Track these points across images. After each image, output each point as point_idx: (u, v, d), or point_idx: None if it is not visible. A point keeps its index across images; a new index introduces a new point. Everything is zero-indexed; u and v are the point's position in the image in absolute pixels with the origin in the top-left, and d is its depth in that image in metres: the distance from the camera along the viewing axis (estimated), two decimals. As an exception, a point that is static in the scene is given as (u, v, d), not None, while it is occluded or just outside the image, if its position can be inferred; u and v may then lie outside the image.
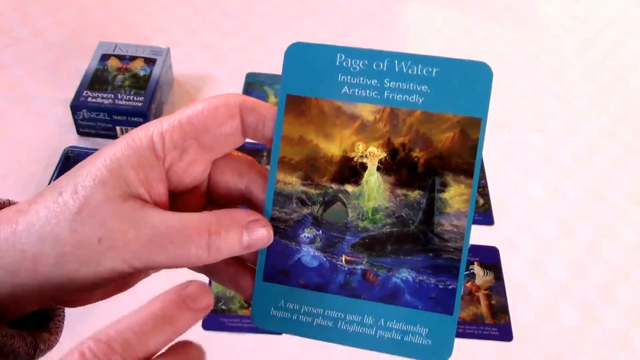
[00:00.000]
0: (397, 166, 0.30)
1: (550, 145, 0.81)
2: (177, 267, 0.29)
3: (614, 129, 0.84)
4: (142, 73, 0.77)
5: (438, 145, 0.30)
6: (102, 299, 0.32)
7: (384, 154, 0.30)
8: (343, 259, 0.31)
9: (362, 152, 0.31)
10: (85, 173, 0.28)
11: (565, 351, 0.62)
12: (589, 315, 0.65)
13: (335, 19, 0.96)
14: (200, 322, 0.61)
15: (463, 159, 0.30)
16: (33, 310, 0.31)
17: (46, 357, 0.31)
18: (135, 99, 0.74)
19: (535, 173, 0.78)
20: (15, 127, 0.77)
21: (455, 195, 0.30)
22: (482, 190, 0.75)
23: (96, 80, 0.76)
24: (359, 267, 0.31)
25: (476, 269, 0.67)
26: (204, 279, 0.32)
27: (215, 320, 0.61)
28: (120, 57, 0.79)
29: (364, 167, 0.31)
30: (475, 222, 0.72)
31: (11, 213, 0.28)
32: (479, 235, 0.70)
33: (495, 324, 0.63)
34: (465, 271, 0.66)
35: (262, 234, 0.30)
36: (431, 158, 0.30)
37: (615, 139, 0.83)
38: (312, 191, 0.31)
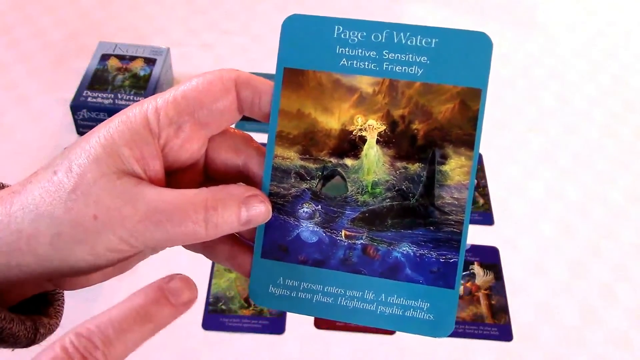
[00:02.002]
0: (396, 139, 0.30)
1: (550, 145, 0.81)
2: (174, 244, 0.28)
3: (614, 129, 0.84)
4: (142, 73, 0.77)
5: (438, 116, 0.30)
6: (100, 281, 0.31)
7: (384, 127, 0.30)
8: (343, 233, 0.31)
9: (361, 125, 0.30)
10: (80, 151, 0.28)
11: (565, 351, 0.62)
12: (589, 315, 0.65)
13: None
14: (200, 322, 0.61)
15: (463, 130, 0.29)
16: (32, 295, 0.31)
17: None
18: (135, 99, 0.74)
19: (535, 173, 0.78)
20: (15, 127, 0.77)
21: (455, 168, 0.30)
22: (482, 190, 0.75)
23: (96, 80, 0.76)
24: (359, 241, 0.31)
25: (476, 269, 0.67)
26: (195, 266, 0.32)
27: (215, 320, 0.61)
28: (120, 57, 0.79)
29: (363, 140, 0.30)
30: (475, 222, 0.72)
31: (5, 194, 0.28)
32: (479, 235, 0.70)
33: (495, 324, 0.63)
34: (466, 271, 0.66)
35: (260, 210, 0.29)
36: (431, 130, 0.30)
37: (615, 139, 0.83)
38: (311, 165, 0.31)
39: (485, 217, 0.72)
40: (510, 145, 0.81)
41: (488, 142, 0.80)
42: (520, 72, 0.91)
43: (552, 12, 1.03)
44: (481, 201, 0.74)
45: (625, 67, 0.94)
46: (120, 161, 0.28)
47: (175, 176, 0.31)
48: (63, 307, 0.32)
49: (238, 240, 0.32)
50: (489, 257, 0.68)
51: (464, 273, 0.66)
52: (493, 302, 0.65)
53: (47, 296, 0.32)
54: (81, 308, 0.60)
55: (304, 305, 0.31)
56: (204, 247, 0.32)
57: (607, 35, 0.99)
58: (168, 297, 0.26)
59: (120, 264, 0.31)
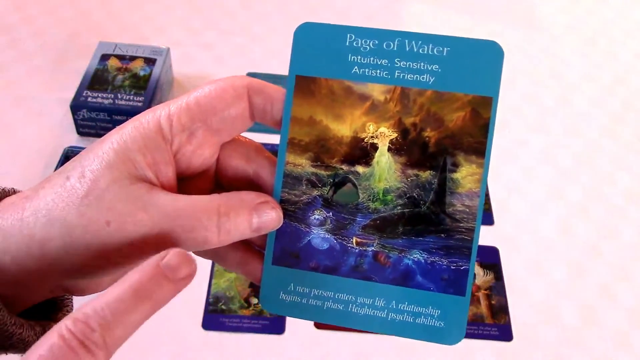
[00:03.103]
0: (408, 146, 0.30)
1: (550, 145, 0.81)
2: (187, 250, 0.28)
3: (614, 129, 0.84)
4: (142, 73, 0.77)
5: (449, 124, 0.30)
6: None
7: (395, 134, 0.30)
8: (354, 240, 0.31)
9: (373, 133, 0.30)
10: (93, 157, 0.28)
11: (565, 351, 0.62)
12: (589, 315, 0.65)
13: (336, 19, 0.96)
14: (200, 322, 0.61)
15: (474, 138, 0.30)
16: (41, 300, 0.31)
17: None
18: (135, 99, 0.74)
19: (535, 173, 0.78)
20: (15, 127, 0.77)
21: (466, 175, 0.30)
22: (482, 190, 0.75)
23: (96, 80, 0.76)
24: (370, 248, 0.31)
25: (476, 269, 0.67)
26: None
27: (215, 320, 0.61)
28: (120, 57, 0.79)
29: (374, 147, 0.30)
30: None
31: (18, 200, 0.28)
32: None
33: (495, 324, 0.63)
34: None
35: (271, 217, 0.29)
36: (442, 138, 0.30)
37: (615, 139, 0.83)
38: (322, 172, 0.31)
39: (485, 217, 0.72)
40: (510, 145, 0.81)
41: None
42: (520, 72, 0.91)
43: (552, 12, 1.03)
44: (481, 201, 0.74)
45: (625, 67, 0.94)
46: (133, 167, 0.28)
47: (187, 183, 0.31)
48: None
49: (249, 247, 0.33)
50: (489, 257, 0.68)
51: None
52: (493, 302, 0.65)
53: (57, 302, 0.32)
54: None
55: (314, 312, 0.31)
56: (215, 254, 0.33)
57: (607, 35, 0.99)
58: (165, 273, 0.25)
59: (129, 270, 0.31)
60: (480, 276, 0.67)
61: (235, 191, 0.29)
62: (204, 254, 0.33)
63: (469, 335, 0.62)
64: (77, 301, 0.33)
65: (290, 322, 0.61)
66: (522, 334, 0.63)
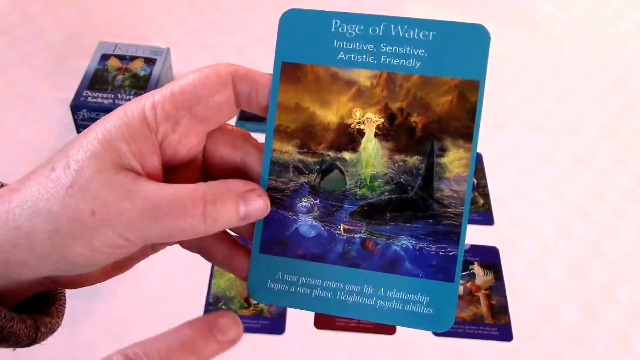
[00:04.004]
0: (395, 131, 0.30)
1: (550, 145, 0.81)
2: (173, 239, 0.28)
3: (614, 129, 0.84)
4: (142, 73, 0.77)
5: (436, 109, 0.29)
6: (101, 281, 0.31)
7: (382, 120, 0.30)
8: (341, 227, 0.31)
9: (360, 118, 0.30)
10: (77, 147, 0.28)
11: (565, 351, 0.62)
12: (589, 315, 0.65)
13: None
14: (200, 322, 0.61)
15: (462, 122, 0.29)
16: (33, 294, 0.31)
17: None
18: (135, 99, 0.74)
19: (535, 173, 0.78)
20: (15, 127, 0.77)
21: (454, 160, 0.30)
22: (482, 190, 0.75)
23: (96, 80, 0.76)
24: (357, 235, 0.30)
25: (476, 269, 0.67)
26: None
27: (215, 320, 0.61)
28: (120, 57, 0.79)
29: (361, 133, 0.30)
30: (475, 222, 0.72)
31: (4, 192, 0.28)
32: (479, 235, 0.70)
33: (495, 324, 0.63)
34: (465, 271, 0.66)
35: (258, 204, 0.29)
36: (429, 122, 0.30)
37: (615, 139, 0.83)
38: (309, 159, 0.30)
39: (485, 217, 0.72)
40: (510, 145, 0.81)
41: (488, 142, 0.80)
42: (520, 72, 0.91)
43: (552, 12, 1.03)
44: (481, 201, 0.74)
45: (625, 67, 0.94)
46: (118, 156, 0.28)
47: (174, 173, 0.31)
48: (64, 306, 0.32)
49: (236, 243, 0.32)
50: (489, 257, 0.68)
51: (464, 273, 0.66)
52: (493, 302, 0.65)
53: (49, 295, 0.32)
54: (83, 308, 0.61)
55: (302, 300, 0.31)
56: (202, 248, 0.32)
57: (607, 35, 0.99)
58: (215, 333, 0.26)
59: (120, 262, 0.31)
60: (480, 276, 0.66)
61: (222, 179, 0.29)
62: (191, 247, 0.33)
63: (469, 335, 0.62)
64: (70, 296, 0.33)
65: (290, 322, 0.61)
66: (522, 334, 0.63)
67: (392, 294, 0.30)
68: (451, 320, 0.30)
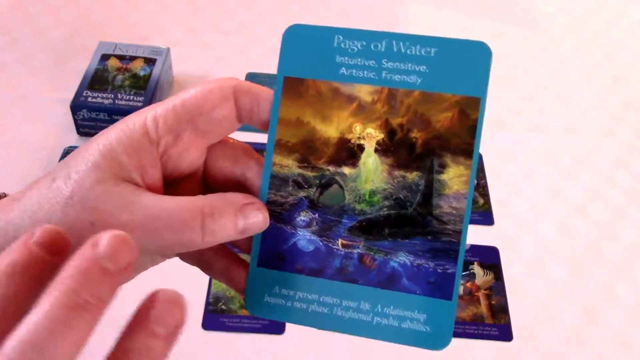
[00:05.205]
0: (395, 147, 0.30)
1: (550, 145, 0.81)
2: (171, 251, 0.28)
3: (614, 129, 0.84)
4: (142, 73, 0.77)
5: (437, 125, 0.30)
6: None
7: (382, 135, 0.30)
8: (339, 242, 0.30)
9: (360, 134, 0.30)
10: (79, 159, 0.28)
11: (565, 351, 0.62)
12: (589, 315, 0.65)
13: (336, 19, 0.96)
14: (200, 322, 0.61)
15: (462, 139, 0.29)
16: None
17: None
18: (135, 99, 0.74)
19: (535, 173, 0.78)
20: (15, 127, 0.77)
21: (454, 177, 0.30)
22: (482, 190, 0.75)
23: (96, 80, 0.76)
24: (355, 250, 0.30)
25: (476, 269, 0.67)
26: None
27: (215, 320, 0.61)
28: (120, 57, 0.79)
29: (361, 148, 0.30)
30: (475, 222, 0.72)
31: (6, 202, 0.28)
32: (479, 235, 0.70)
33: (495, 324, 0.63)
34: (466, 271, 0.66)
35: (257, 218, 0.29)
36: (430, 139, 0.30)
37: (615, 139, 0.83)
38: (309, 174, 0.31)
39: (485, 217, 0.72)
40: (510, 145, 0.81)
41: (488, 142, 0.80)
42: (520, 72, 0.91)
43: (552, 12, 1.03)
44: (481, 201, 0.74)
45: (625, 67, 0.94)
46: (119, 168, 0.28)
47: (175, 186, 0.31)
48: None
49: (234, 256, 0.32)
50: (489, 257, 0.68)
51: (464, 273, 0.66)
52: (493, 302, 0.65)
53: None
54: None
55: (299, 315, 0.31)
56: (200, 261, 0.32)
57: (607, 35, 0.99)
58: (102, 262, 0.21)
59: None
60: (480, 276, 0.66)
61: (221, 193, 0.29)
62: (190, 260, 0.33)
63: (469, 335, 0.62)
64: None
65: (290, 322, 0.61)
66: (522, 334, 0.63)
67: (388, 311, 0.30)
68: (448, 339, 0.30)
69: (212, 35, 0.92)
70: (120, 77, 0.77)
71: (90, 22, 0.92)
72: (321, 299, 0.30)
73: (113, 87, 0.75)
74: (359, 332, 0.30)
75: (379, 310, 0.30)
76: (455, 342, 0.62)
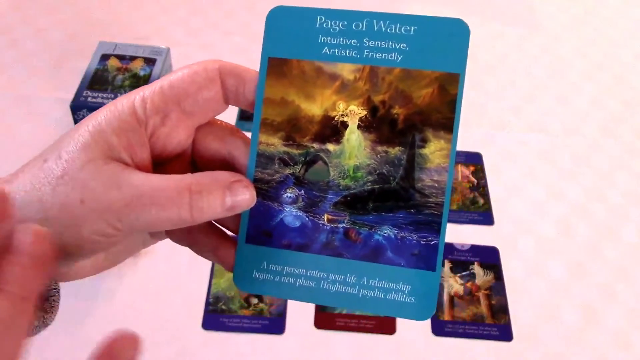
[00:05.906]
0: (377, 123, 0.31)
1: (550, 145, 0.81)
2: (160, 228, 0.29)
3: (614, 129, 0.84)
4: (142, 73, 0.77)
5: (417, 101, 0.30)
6: (93, 274, 0.32)
7: (364, 112, 0.31)
8: (325, 217, 0.31)
9: (343, 111, 0.31)
10: (69, 140, 0.29)
11: (565, 351, 0.62)
12: (589, 315, 0.65)
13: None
14: (200, 322, 0.61)
15: (442, 114, 0.30)
16: None
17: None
18: (135, 99, 0.74)
19: (535, 173, 0.78)
20: (15, 127, 0.77)
21: (435, 151, 0.30)
22: (482, 190, 0.75)
23: (96, 80, 0.76)
24: (341, 225, 0.31)
25: (476, 269, 0.67)
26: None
27: (215, 320, 0.61)
28: (120, 57, 0.79)
29: (344, 125, 0.31)
30: (475, 222, 0.72)
31: None
32: (479, 235, 0.70)
33: (495, 324, 0.63)
34: (466, 271, 0.66)
35: (244, 196, 0.30)
36: (411, 114, 0.30)
37: (615, 139, 0.83)
38: (294, 151, 0.31)
39: (485, 217, 0.72)
40: (510, 145, 0.81)
41: (488, 142, 0.80)
42: (520, 72, 0.91)
43: (552, 12, 1.03)
44: (481, 201, 0.74)
45: (625, 67, 0.94)
46: (108, 148, 0.28)
47: (164, 166, 0.31)
48: (58, 302, 0.32)
49: (223, 235, 0.33)
50: (489, 257, 0.68)
51: (464, 273, 0.66)
52: (493, 302, 0.65)
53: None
54: (83, 308, 0.61)
55: (287, 290, 0.31)
56: (190, 241, 0.33)
57: (607, 35, 0.99)
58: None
59: (110, 255, 0.32)
60: (480, 276, 0.67)
61: (209, 171, 0.30)
62: (179, 239, 0.33)
63: (469, 335, 0.62)
64: (70, 295, 0.33)
65: (290, 322, 0.61)
66: (522, 334, 0.63)
67: (374, 283, 0.31)
68: (432, 309, 0.30)
69: (212, 35, 0.92)
70: (120, 77, 0.77)
71: (90, 22, 0.92)
72: (308, 273, 0.31)
73: (113, 87, 0.75)
74: (345, 304, 0.31)
75: (365, 282, 0.31)
76: (456, 342, 0.63)
